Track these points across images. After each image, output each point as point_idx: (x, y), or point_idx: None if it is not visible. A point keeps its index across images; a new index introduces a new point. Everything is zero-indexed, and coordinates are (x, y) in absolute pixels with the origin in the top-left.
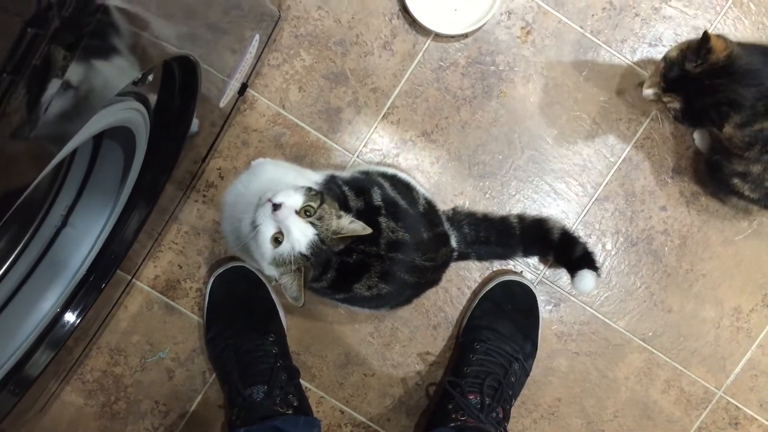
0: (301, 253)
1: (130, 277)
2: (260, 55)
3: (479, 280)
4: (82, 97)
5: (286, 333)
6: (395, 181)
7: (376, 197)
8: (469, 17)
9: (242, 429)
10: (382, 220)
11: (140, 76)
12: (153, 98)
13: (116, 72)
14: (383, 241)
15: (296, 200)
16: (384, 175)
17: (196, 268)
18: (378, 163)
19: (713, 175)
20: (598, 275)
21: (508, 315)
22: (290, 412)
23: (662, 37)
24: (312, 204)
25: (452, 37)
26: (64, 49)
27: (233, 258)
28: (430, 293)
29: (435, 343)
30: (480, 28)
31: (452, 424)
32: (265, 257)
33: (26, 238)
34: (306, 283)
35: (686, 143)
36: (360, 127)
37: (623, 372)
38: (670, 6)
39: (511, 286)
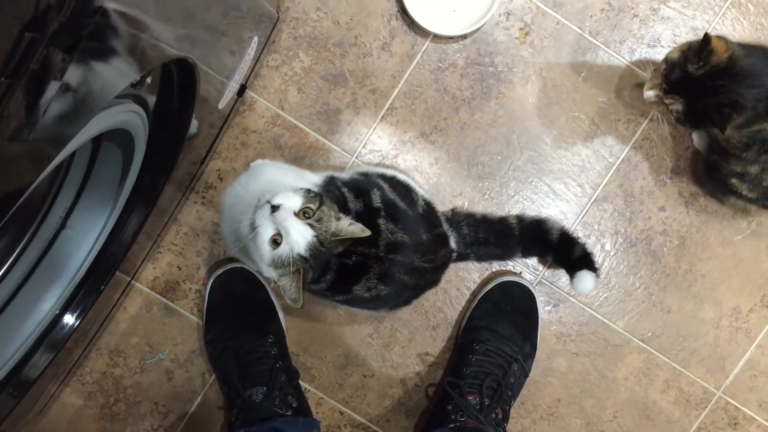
0: (299, 255)
1: (129, 279)
2: (259, 57)
3: (478, 280)
4: (81, 100)
5: (286, 334)
6: (394, 182)
7: (376, 199)
8: (467, 18)
9: (241, 430)
10: (381, 221)
11: (139, 78)
12: (152, 100)
13: (115, 74)
14: (382, 243)
15: (295, 202)
16: (383, 177)
17: (195, 269)
18: (377, 165)
19: (711, 175)
20: (597, 276)
21: (508, 316)
22: (289, 413)
23: (661, 37)
24: (311, 206)
25: (451, 38)
26: (63, 51)
27: (232, 259)
28: (430, 294)
29: (434, 344)
30: (479, 29)
31: (451, 425)
32: (263, 259)
33: (25, 239)
34: (305, 284)
35: (685, 144)
36: (359, 128)
37: (622, 372)
38: (668, 7)
39: (510, 287)
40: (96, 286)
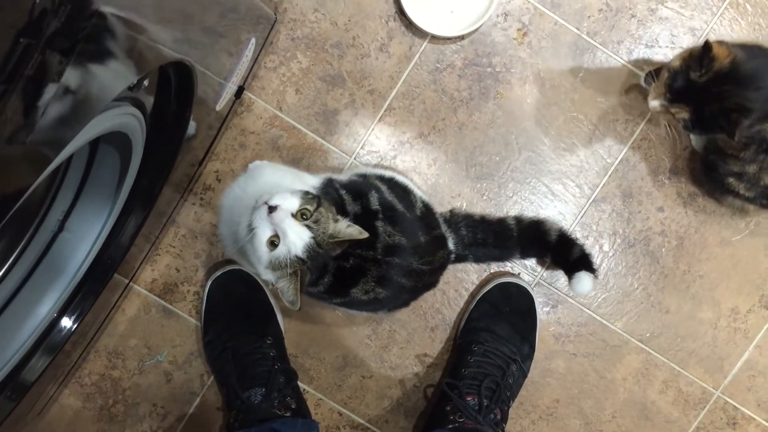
0: (297, 257)
1: (127, 281)
2: (257, 58)
3: (477, 282)
4: (78, 103)
5: (284, 335)
6: (392, 184)
7: (374, 201)
8: (465, 19)
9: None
10: (379, 224)
11: (136, 81)
12: (149, 103)
13: (111, 78)
14: (380, 246)
15: (293, 203)
16: (381, 178)
17: (193, 271)
18: (375, 166)
19: (709, 175)
20: (596, 277)
21: (506, 317)
22: (288, 414)
23: (659, 38)
24: (308, 207)
25: (449, 39)
26: (59, 54)
27: (231, 261)
28: (428, 295)
29: (433, 345)
30: (476, 30)
31: (450, 426)
32: (261, 260)
33: (23, 242)
34: (302, 287)
35: (683, 144)
36: (357, 129)
37: (621, 373)
38: (666, 7)
39: (509, 288)
40: (94, 289)
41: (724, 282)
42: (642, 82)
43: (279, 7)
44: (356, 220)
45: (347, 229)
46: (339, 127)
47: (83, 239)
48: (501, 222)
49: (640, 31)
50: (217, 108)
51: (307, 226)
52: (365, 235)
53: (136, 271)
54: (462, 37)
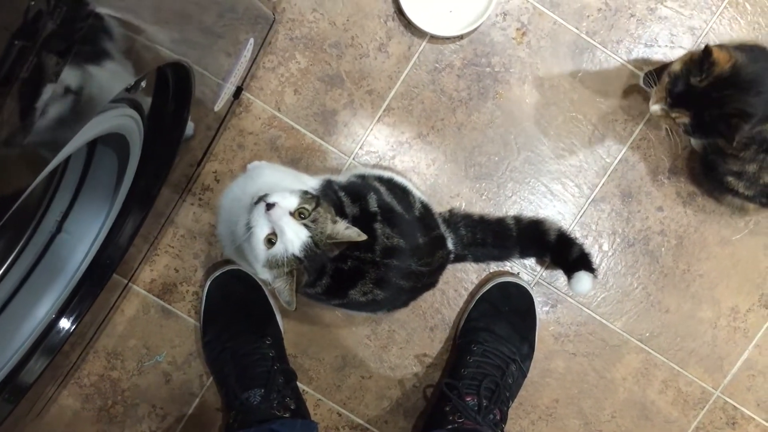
0: (294, 255)
1: (126, 281)
2: (255, 58)
3: (476, 281)
4: (75, 105)
5: (283, 336)
6: (391, 185)
7: (372, 203)
8: (464, 19)
9: None
10: (378, 226)
11: (133, 82)
12: (147, 104)
13: (109, 79)
14: (378, 248)
15: (291, 201)
16: (380, 179)
17: (192, 271)
18: (374, 166)
19: (708, 174)
20: (595, 277)
21: (505, 316)
22: (287, 415)
23: (658, 37)
24: (306, 206)
25: (448, 38)
26: (56, 55)
27: (230, 261)
28: (427, 295)
29: (432, 345)
30: (475, 29)
31: (449, 427)
32: (258, 259)
33: (21, 244)
34: (299, 287)
35: (682, 144)
36: (356, 130)
37: (621, 373)
38: (665, 6)
39: (508, 288)
40: (92, 290)
41: (723, 281)
42: (641, 83)
43: (277, 7)
44: (355, 222)
45: (346, 230)
46: (338, 128)
47: (81, 240)
48: (500, 222)
49: (639, 30)
50: (216, 108)
51: (305, 225)
52: (363, 237)
53: (134, 272)
54: (461, 37)
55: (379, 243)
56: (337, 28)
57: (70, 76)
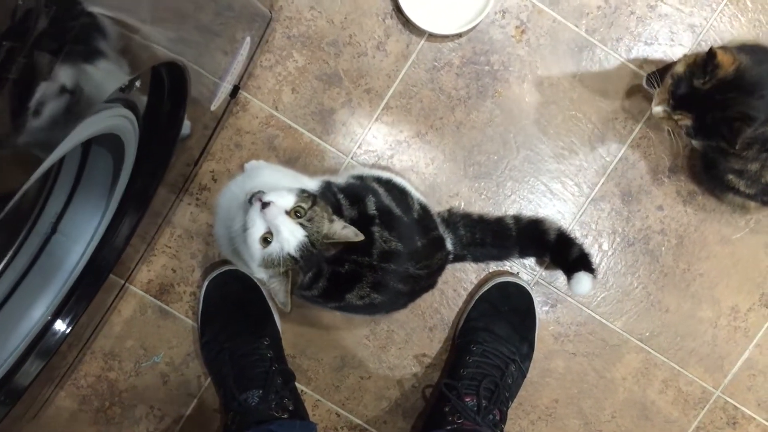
0: (289, 254)
1: (123, 282)
2: (252, 57)
3: (475, 281)
4: (68, 105)
5: (281, 336)
6: (390, 186)
7: (371, 206)
8: (463, 17)
9: None
10: (376, 229)
11: (127, 82)
12: (142, 104)
13: (102, 79)
14: (376, 252)
15: (287, 200)
16: (379, 180)
17: (189, 271)
18: (372, 166)
19: (709, 172)
20: (595, 277)
21: (505, 316)
22: (286, 416)
23: (658, 35)
24: (303, 205)
25: (446, 36)
26: (47, 56)
27: (227, 261)
28: (426, 295)
29: (431, 345)
30: (474, 27)
31: (449, 427)
32: (254, 258)
33: (15, 246)
34: (293, 288)
35: (683, 142)
36: (354, 129)
37: (621, 372)
38: (665, 4)
39: (508, 288)
40: (88, 291)
41: (724, 280)
42: (644, 83)
43: (274, 5)
44: (353, 225)
45: (343, 230)
46: (336, 127)
47: (77, 241)
48: (499, 221)
49: (639, 28)
50: (213, 108)
51: (301, 224)
52: (361, 237)
53: (131, 272)
54: (460, 35)
55: (376, 246)
56: (334, 26)
57: (62, 76)
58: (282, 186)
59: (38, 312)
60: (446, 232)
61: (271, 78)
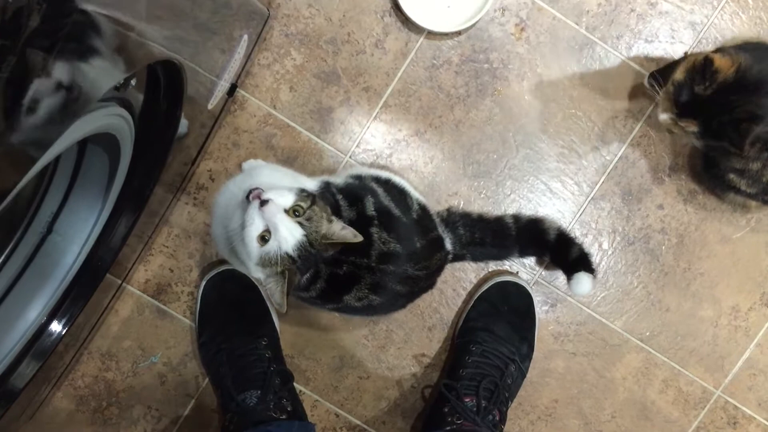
0: (287, 254)
1: (120, 282)
2: (250, 55)
3: (475, 281)
4: (62, 104)
5: (280, 336)
6: (389, 186)
7: (369, 206)
8: (462, 14)
9: None
10: (374, 230)
11: (122, 81)
12: (138, 102)
13: (96, 77)
14: (374, 253)
15: (286, 199)
16: (378, 180)
17: (187, 271)
18: (371, 165)
19: (710, 171)
20: (595, 277)
21: (504, 316)
22: (284, 417)
23: (658, 33)
24: (301, 204)
25: (445, 34)
26: (40, 54)
27: (225, 261)
28: (425, 295)
29: (430, 344)
30: (473, 25)
31: (448, 428)
32: (251, 256)
33: (10, 246)
34: (290, 289)
35: (683, 140)
36: (352, 127)
37: (621, 372)
38: (666, 1)
39: (507, 287)
40: (84, 292)
41: (724, 280)
42: (645, 83)
43: (272, 3)
44: (351, 226)
45: (342, 231)
46: (334, 125)
47: (73, 241)
48: (499, 220)
49: (639, 25)
50: (210, 106)
51: (300, 224)
52: (360, 238)
53: (128, 272)
54: (459, 33)
55: (375, 248)
56: (333, 24)
57: (55, 74)
58: (281, 185)
59: (34, 312)
60: (445, 231)
61: (269, 76)
